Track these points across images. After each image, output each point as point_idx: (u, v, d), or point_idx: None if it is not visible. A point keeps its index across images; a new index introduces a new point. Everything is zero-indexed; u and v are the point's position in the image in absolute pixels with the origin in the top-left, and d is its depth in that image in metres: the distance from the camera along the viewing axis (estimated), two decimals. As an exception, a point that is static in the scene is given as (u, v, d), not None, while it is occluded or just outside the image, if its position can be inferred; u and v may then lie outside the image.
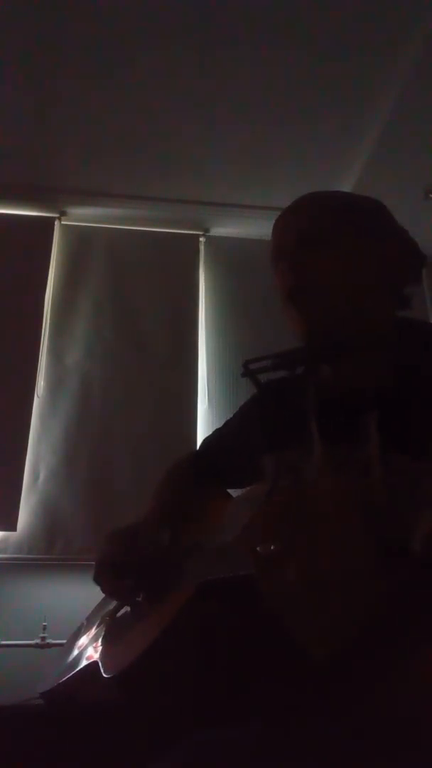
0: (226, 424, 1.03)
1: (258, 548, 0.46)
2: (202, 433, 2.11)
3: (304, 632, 0.44)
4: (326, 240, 0.75)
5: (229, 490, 0.94)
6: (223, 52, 1.71)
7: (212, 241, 2.41)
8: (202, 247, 2.42)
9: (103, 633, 0.83)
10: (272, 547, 0.45)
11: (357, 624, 0.42)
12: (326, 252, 0.74)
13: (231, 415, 1.02)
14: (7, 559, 1.92)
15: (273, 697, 0.56)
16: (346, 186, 2.18)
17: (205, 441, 1.05)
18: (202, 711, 0.57)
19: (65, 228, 2.39)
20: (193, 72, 1.78)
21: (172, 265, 2.38)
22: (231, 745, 0.47)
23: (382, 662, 0.43)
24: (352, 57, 1.71)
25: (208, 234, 2.41)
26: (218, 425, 1.05)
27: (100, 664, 0.69)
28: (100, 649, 0.76)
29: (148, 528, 0.86)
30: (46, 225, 2.34)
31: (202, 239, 2.42)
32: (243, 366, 0.71)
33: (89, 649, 0.80)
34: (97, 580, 0.82)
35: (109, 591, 0.84)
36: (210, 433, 1.06)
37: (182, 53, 1.72)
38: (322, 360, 0.76)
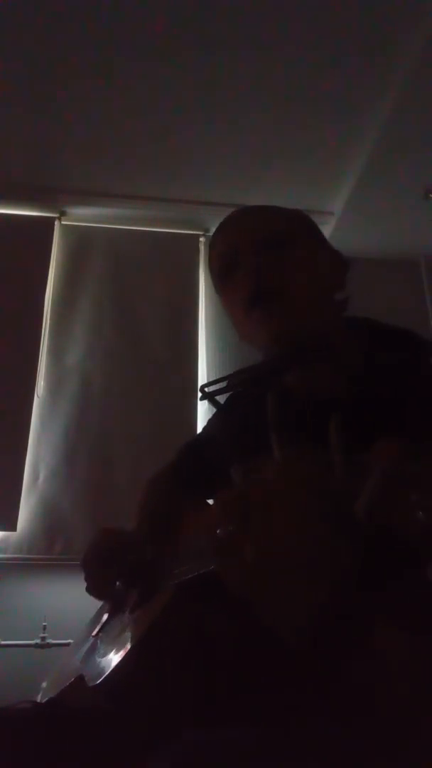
0: (199, 436, 1.06)
1: (217, 531, 0.46)
2: (202, 433, 2.11)
3: (271, 615, 0.44)
4: (289, 242, 0.75)
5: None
6: (223, 53, 1.71)
7: (212, 241, 2.41)
8: (202, 247, 2.42)
9: (90, 644, 0.83)
10: (229, 528, 0.45)
11: (321, 600, 0.42)
12: (289, 254, 0.75)
13: (209, 418, 1.05)
14: (7, 559, 1.92)
15: (264, 695, 0.56)
16: (347, 186, 2.18)
17: (182, 452, 1.06)
18: (194, 711, 0.57)
19: (65, 228, 2.39)
20: (193, 72, 1.78)
21: (172, 265, 2.39)
22: (221, 745, 0.47)
23: (350, 639, 0.43)
24: (353, 57, 1.71)
25: (208, 234, 2.41)
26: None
27: (84, 674, 0.70)
28: (87, 660, 0.77)
29: (130, 547, 0.87)
30: (46, 225, 2.35)
31: (202, 239, 2.42)
32: (200, 390, 0.72)
33: (78, 663, 0.80)
34: (85, 569, 0.84)
35: (94, 586, 0.84)
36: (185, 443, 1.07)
37: (182, 54, 1.72)
38: (277, 371, 0.76)
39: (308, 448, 0.48)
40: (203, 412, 2.17)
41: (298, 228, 0.79)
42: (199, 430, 2.13)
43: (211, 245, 0.84)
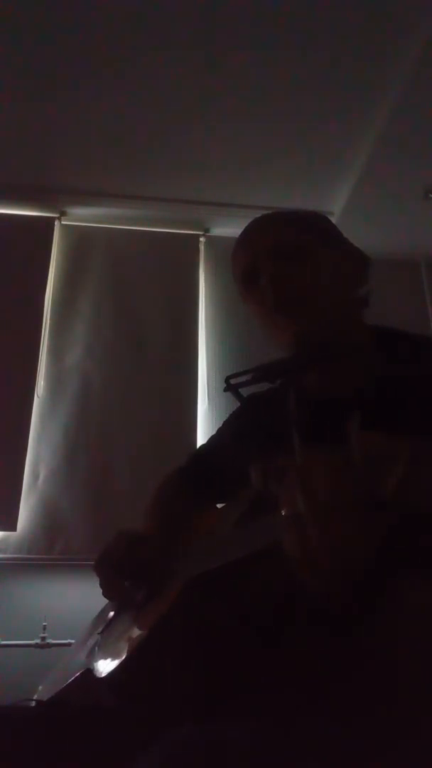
0: (213, 438, 1.06)
1: (282, 512, 0.50)
2: (202, 433, 2.11)
3: (321, 582, 0.49)
4: (307, 249, 0.79)
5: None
6: (223, 53, 1.72)
7: (212, 241, 2.41)
8: (202, 247, 2.42)
9: (96, 641, 0.83)
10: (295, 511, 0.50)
11: (358, 571, 0.48)
12: (307, 261, 0.79)
13: (222, 423, 1.05)
14: (7, 559, 1.92)
15: (268, 693, 0.57)
16: (347, 186, 2.18)
17: (195, 454, 1.07)
18: (194, 709, 0.57)
19: (65, 228, 2.39)
20: (193, 72, 1.78)
21: (172, 265, 2.39)
22: (211, 737, 0.48)
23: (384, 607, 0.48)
24: (353, 57, 1.71)
25: (208, 234, 2.41)
26: (218, 425, 1.06)
27: (93, 669, 0.70)
28: (93, 656, 0.77)
29: (143, 548, 0.88)
30: (46, 225, 2.35)
31: (202, 239, 2.42)
32: (225, 381, 0.75)
33: (84, 659, 0.80)
34: (97, 570, 0.84)
35: (106, 585, 0.85)
36: (205, 440, 1.09)
37: (182, 54, 1.72)
38: (302, 369, 0.79)
39: (328, 446, 0.51)
40: (203, 412, 2.17)
41: (315, 233, 0.82)
42: (200, 430, 2.13)
43: (234, 253, 0.87)
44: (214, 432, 1.07)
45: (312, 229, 0.83)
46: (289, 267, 0.78)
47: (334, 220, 2.29)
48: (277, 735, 0.48)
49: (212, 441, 1.06)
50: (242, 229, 0.88)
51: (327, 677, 0.54)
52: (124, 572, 0.83)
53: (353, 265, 0.84)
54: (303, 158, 2.10)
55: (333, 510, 0.47)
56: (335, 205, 2.29)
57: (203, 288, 2.37)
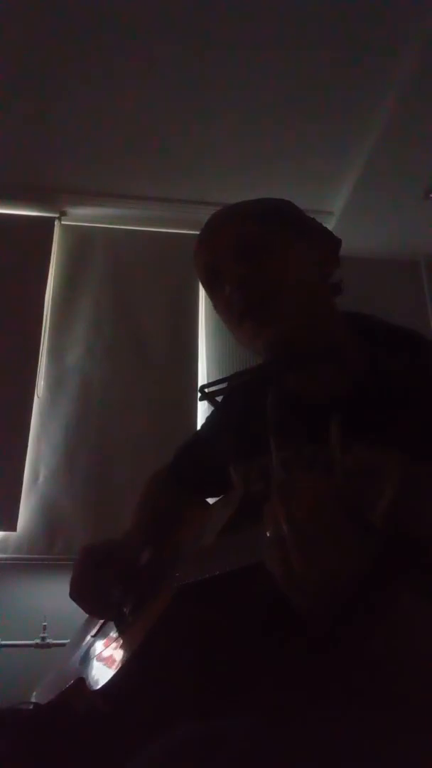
0: (196, 436, 1.05)
1: (267, 534, 0.49)
2: (202, 433, 2.11)
3: (307, 605, 0.48)
4: (268, 245, 0.73)
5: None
6: (223, 53, 1.71)
7: (212, 241, 2.41)
8: (202, 247, 2.42)
9: (89, 645, 0.83)
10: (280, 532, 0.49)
11: (348, 595, 0.47)
12: (270, 258, 0.72)
13: (204, 422, 1.04)
14: (7, 559, 1.92)
15: (265, 693, 0.57)
16: (347, 186, 2.18)
17: (179, 452, 1.05)
18: (193, 713, 0.57)
19: (65, 228, 2.39)
20: (193, 72, 1.78)
21: (172, 265, 2.38)
22: (213, 739, 0.47)
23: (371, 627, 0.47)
24: (353, 57, 1.71)
25: (208, 234, 2.41)
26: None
27: (87, 676, 0.70)
28: (90, 663, 0.77)
29: (127, 547, 0.86)
30: (46, 225, 2.35)
31: (202, 239, 2.41)
32: (199, 390, 0.72)
33: (78, 665, 0.80)
34: (74, 598, 0.80)
35: (90, 609, 0.82)
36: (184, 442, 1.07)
37: (182, 54, 1.72)
38: (279, 375, 0.76)
39: (307, 449, 0.49)
40: (203, 412, 2.17)
41: (280, 224, 0.75)
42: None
43: (194, 253, 0.81)
44: (185, 440, 1.07)
45: (276, 219, 0.76)
46: (253, 267, 0.71)
47: (334, 220, 2.31)
48: (274, 734, 0.48)
49: (197, 436, 1.05)
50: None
51: (324, 677, 0.54)
52: (105, 589, 0.80)
53: (324, 250, 0.77)
54: (303, 158, 2.10)
55: (317, 534, 0.46)
56: (335, 205, 2.29)
57: (203, 288, 2.37)
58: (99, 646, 0.79)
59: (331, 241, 0.79)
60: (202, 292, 2.37)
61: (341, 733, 0.47)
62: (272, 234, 0.74)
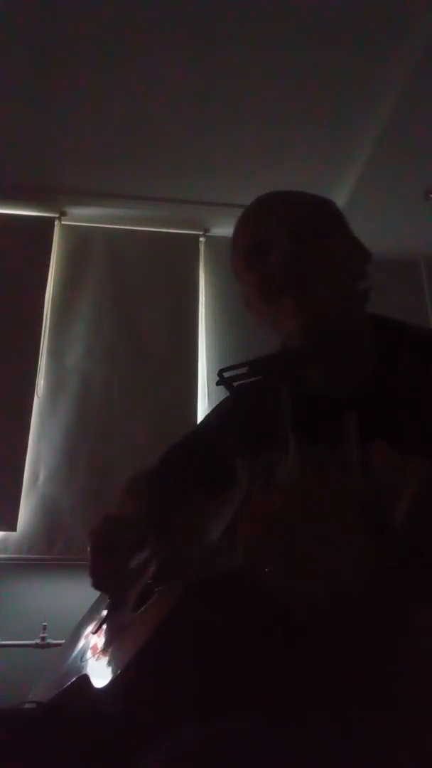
0: (198, 430, 1.04)
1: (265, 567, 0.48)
2: (202, 433, 2.11)
3: (314, 617, 0.47)
4: (323, 232, 0.74)
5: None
6: (223, 52, 1.71)
7: (212, 241, 2.41)
8: (202, 247, 2.41)
9: (91, 645, 0.83)
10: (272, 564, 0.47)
11: (357, 599, 0.45)
12: (323, 244, 0.73)
13: (209, 413, 1.03)
14: (7, 559, 1.92)
15: (266, 694, 0.57)
16: (347, 186, 2.18)
17: (176, 446, 1.04)
18: (196, 714, 0.57)
19: (65, 228, 2.39)
20: (193, 72, 1.78)
21: (172, 265, 2.38)
22: (217, 739, 0.47)
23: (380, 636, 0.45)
24: (352, 57, 1.71)
25: (208, 234, 2.40)
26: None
27: (88, 674, 0.70)
28: (89, 661, 0.77)
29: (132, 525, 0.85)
30: (46, 225, 2.34)
31: (202, 239, 2.41)
32: (218, 374, 0.72)
33: (79, 662, 0.80)
34: (98, 586, 0.81)
35: (98, 572, 0.82)
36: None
37: (182, 53, 1.72)
38: (301, 365, 0.75)
39: (324, 446, 0.49)
40: (203, 412, 2.17)
41: (330, 217, 0.78)
42: (199, 430, 2.13)
43: (241, 224, 0.81)
44: (184, 435, 1.05)
45: (327, 211, 0.79)
46: (304, 246, 0.72)
47: (334, 220, 2.31)
48: (275, 735, 0.48)
49: (198, 432, 1.03)
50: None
51: (324, 677, 0.54)
52: (119, 556, 0.80)
53: (359, 256, 0.80)
54: (303, 158, 2.10)
55: (329, 538, 0.45)
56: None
57: (203, 288, 2.37)
58: (99, 643, 0.79)
59: (364, 250, 0.81)
60: (202, 292, 2.37)
61: (341, 733, 0.47)
62: (325, 222, 0.76)
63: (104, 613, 0.88)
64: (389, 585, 0.45)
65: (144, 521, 0.90)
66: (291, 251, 0.72)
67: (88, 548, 0.81)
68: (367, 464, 0.46)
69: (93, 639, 0.83)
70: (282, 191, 0.81)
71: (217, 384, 0.72)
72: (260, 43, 1.68)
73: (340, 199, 2.24)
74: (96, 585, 0.82)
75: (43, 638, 1.79)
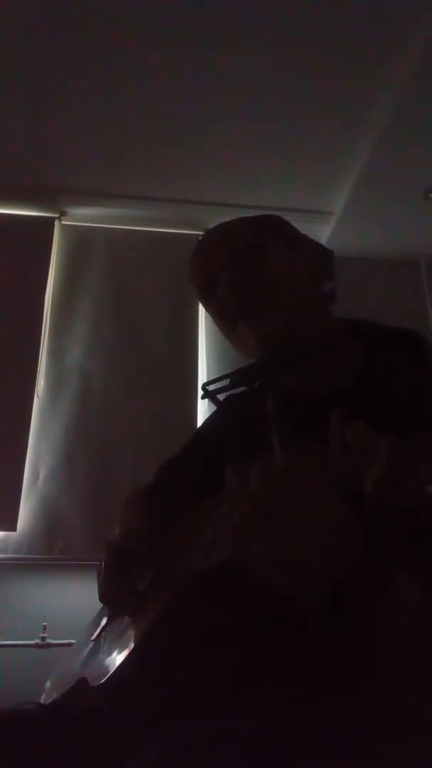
0: (192, 441, 1.04)
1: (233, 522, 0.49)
2: (202, 433, 2.11)
3: (295, 589, 0.48)
4: (259, 249, 0.77)
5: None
6: (223, 53, 1.72)
7: (212, 241, 2.41)
8: (202, 247, 2.42)
9: (94, 647, 0.83)
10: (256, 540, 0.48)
11: (339, 574, 0.47)
12: (260, 261, 0.76)
13: (199, 428, 1.04)
14: (7, 559, 1.92)
15: (265, 692, 0.57)
16: (347, 186, 2.18)
17: (173, 460, 1.04)
18: (194, 710, 0.57)
19: (65, 228, 2.39)
20: (192, 72, 1.78)
21: (172, 265, 2.38)
22: (213, 738, 0.48)
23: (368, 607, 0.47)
24: (352, 57, 1.71)
25: (208, 234, 2.41)
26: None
27: (86, 676, 0.70)
28: (88, 663, 0.77)
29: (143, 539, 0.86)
30: (46, 225, 2.34)
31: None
32: (201, 388, 0.75)
33: (79, 668, 0.80)
34: (105, 601, 0.81)
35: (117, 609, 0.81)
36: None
37: (182, 53, 1.72)
38: (279, 370, 0.77)
39: (310, 446, 0.50)
40: (203, 412, 2.17)
41: (264, 232, 0.80)
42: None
43: (190, 266, 0.86)
44: (171, 457, 1.04)
45: (263, 228, 0.81)
46: (245, 269, 0.76)
47: (334, 220, 2.31)
48: (274, 734, 0.48)
49: (187, 448, 1.03)
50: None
51: (324, 675, 0.54)
52: (130, 575, 0.80)
53: (314, 260, 0.81)
54: (303, 158, 2.10)
55: (309, 512, 0.47)
56: (335, 205, 2.29)
57: (200, 299, 2.37)
58: (105, 644, 0.80)
59: (321, 251, 0.82)
60: (202, 292, 2.37)
61: (341, 733, 0.47)
62: (260, 240, 0.78)
63: (104, 620, 0.88)
64: (372, 552, 0.47)
65: (149, 538, 0.90)
66: (231, 279, 0.76)
67: (102, 563, 0.82)
68: (345, 444, 0.48)
69: (99, 640, 0.83)
70: (222, 222, 0.85)
71: (202, 398, 0.76)
72: (261, 44, 1.68)
73: (340, 199, 2.24)
74: (103, 600, 0.83)
75: (43, 638, 1.79)
